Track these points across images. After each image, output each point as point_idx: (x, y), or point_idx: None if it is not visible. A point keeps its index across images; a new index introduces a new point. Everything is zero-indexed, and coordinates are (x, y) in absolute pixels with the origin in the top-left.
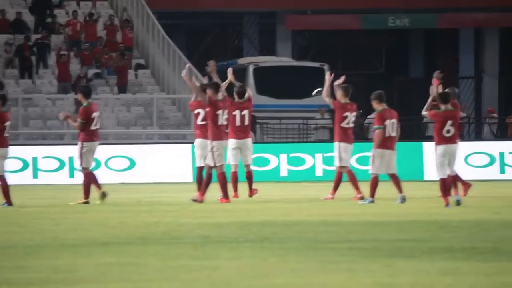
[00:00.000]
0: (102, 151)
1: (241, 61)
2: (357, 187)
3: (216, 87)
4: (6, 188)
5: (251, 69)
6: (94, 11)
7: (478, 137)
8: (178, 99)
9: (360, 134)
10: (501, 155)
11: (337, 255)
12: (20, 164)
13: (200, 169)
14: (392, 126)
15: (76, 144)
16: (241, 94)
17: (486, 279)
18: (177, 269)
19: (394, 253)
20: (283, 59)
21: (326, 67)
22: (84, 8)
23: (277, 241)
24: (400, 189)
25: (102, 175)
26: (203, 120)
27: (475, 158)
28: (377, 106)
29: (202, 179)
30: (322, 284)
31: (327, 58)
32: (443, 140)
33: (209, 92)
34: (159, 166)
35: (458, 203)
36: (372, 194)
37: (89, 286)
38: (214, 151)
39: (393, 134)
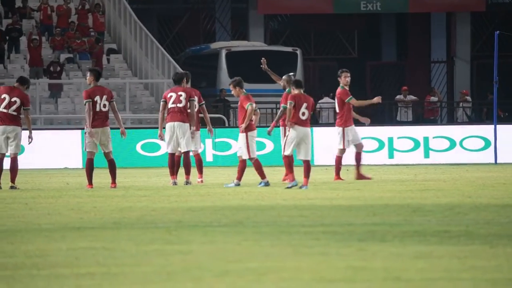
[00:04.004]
0: (78, 135)
1: (214, 45)
2: (200, 172)
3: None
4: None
5: (223, 53)
6: None
7: (451, 120)
8: (150, 84)
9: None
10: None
11: (310, 239)
12: None
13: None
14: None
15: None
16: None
17: (458, 262)
18: (151, 254)
19: (367, 237)
20: (256, 44)
21: (298, 51)
22: None
23: (251, 225)
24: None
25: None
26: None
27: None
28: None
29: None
30: (295, 268)
31: (299, 42)
32: (298, 122)
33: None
34: (132, 151)
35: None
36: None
37: (63, 271)
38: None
39: None
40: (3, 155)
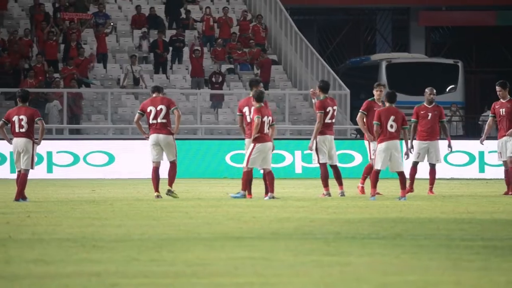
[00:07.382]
0: (238, 145)
1: (374, 57)
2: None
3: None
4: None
5: (383, 65)
6: (227, 7)
7: None
8: (310, 95)
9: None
10: None
11: (470, 253)
12: None
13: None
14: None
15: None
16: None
17: None
18: (309, 265)
19: None
20: (416, 56)
21: (460, 63)
22: (217, 4)
23: (410, 238)
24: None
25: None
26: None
27: None
28: (254, 103)
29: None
30: (455, 282)
31: (461, 54)
32: (386, 135)
33: None
34: (291, 162)
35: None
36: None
37: (222, 280)
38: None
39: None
40: (159, 163)
